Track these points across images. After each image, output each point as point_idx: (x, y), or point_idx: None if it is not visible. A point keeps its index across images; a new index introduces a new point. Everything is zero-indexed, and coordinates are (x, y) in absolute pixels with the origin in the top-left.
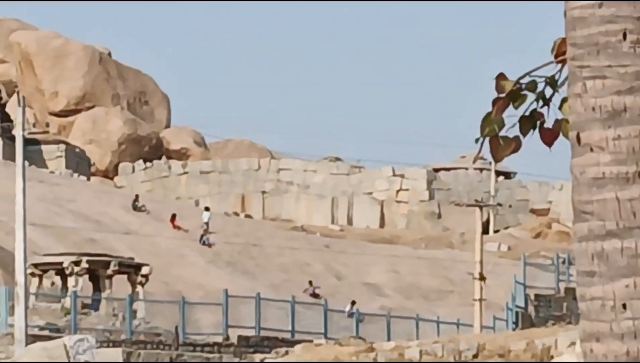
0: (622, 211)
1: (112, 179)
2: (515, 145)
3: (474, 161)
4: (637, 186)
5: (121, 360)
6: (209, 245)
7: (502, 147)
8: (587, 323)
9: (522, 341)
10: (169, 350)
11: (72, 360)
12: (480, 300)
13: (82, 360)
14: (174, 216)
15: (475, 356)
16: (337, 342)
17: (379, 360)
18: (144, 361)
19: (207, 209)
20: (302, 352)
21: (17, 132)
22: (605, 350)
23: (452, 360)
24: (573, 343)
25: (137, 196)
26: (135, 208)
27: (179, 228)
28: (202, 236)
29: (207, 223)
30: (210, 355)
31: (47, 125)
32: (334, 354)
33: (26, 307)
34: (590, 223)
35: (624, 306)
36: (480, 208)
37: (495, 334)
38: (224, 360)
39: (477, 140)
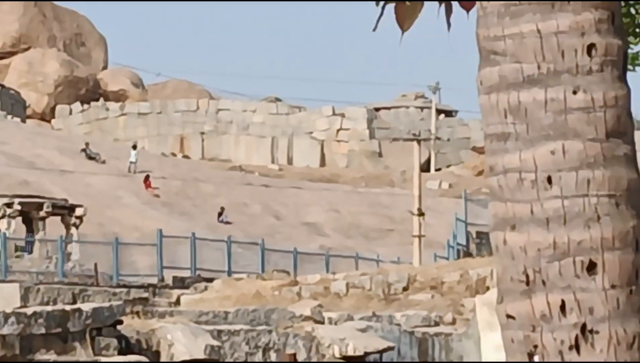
0: (544, 50)
1: (49, 122)
2: (420, 8)
3: (377, 22)
4: (565, 14)
5: (18, 296)
6: (226, 223)
7: (408, 11)
8: (500, 205)
9: (456, 272)
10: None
11: None
12: (420, 236)
13: None
14: (147, 177)
15: (405, 289)
16: (259, 276)
17: (302, 293)
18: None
19: (134, 147)
20: (223, 286)
21: None
22: (524, 240)
23: (380, 293)
24: None
25: (87, 143)
26: (89, 157)
27: (152, 188)
28: (219, 214)
29: (134, 162)
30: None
31: None
32: (255, 288)
33: None
34: (503, 67)
35: (549, 180)
36: (418, 142)
37: (427, 265)
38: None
39: (377, 3)
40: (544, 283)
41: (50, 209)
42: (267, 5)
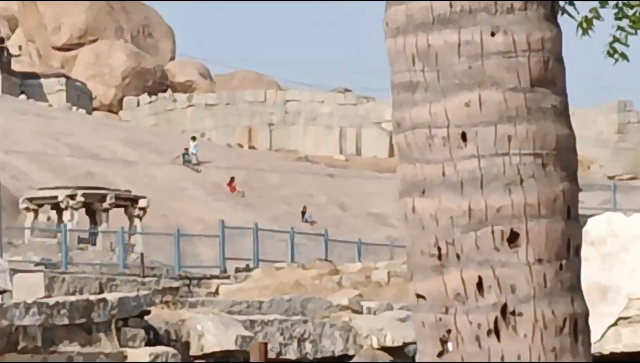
0: None
1: (116, 113)
2: None
3: None
4: None
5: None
6: (311, 223)
7: None
8: (408, 167)
9: None
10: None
11: None
12: None
13: None
14: (232, 179)
15: None
16: (300, 265)
17: (343, 282)
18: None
19: (193, 138)
20: (262, 276)
21: None
22: (435, 207)
23: None
24: None
25: (186, 149)
26: (186, 161)
27: (237, 191)
28: (303, 213)
29: (194, 154)
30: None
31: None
32: (295, 278)
33: (1, 239)
34: (410, 6)
35: (464, 136)
36: None
37: None
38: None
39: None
40: (458, 257)
41: (113, 201)
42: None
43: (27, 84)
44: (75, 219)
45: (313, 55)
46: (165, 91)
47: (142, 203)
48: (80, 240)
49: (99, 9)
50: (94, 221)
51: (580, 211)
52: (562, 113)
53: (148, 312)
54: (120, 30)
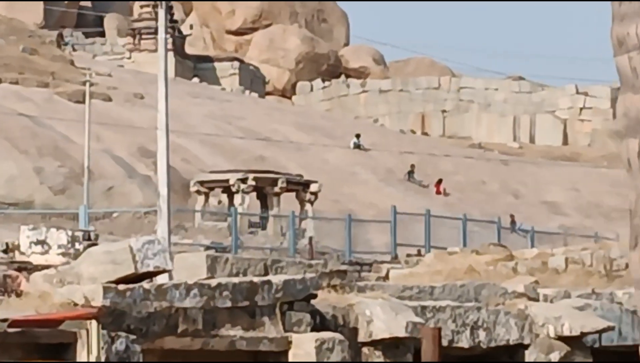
0: None
1: (289, 98)
2: None
3: None
4: None
5: (205, 267)
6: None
7: None
8: (633, 98)
9: None
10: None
11: (139, 264)
12: None
13: (151, 265)
14: (440, 181)
15: (628, 266)
16: (474, 250)
17: (518, 269)
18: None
19: (357, 136)
20: (434, 261)
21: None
22: None
23: (601, 269)
24: None
25: (412, 166)
26: (410, 179)
27: (444, 193)
28: (512, 221)
29: (358, 146)
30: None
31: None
32: (468, 263)
33: (169, 221)
34: None
35: None
36: None
37: None
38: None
39: None
40: None
41: (284, 185)
42: None
43: (200, 68)
44: (246, 203)
45: (488, 41)
46: (338, 76)
47: (313, 187)
48: (251, 224)
49: None
50: (264, 206)
51: None
52: None
53: (315, 296)
54: (294, 15)
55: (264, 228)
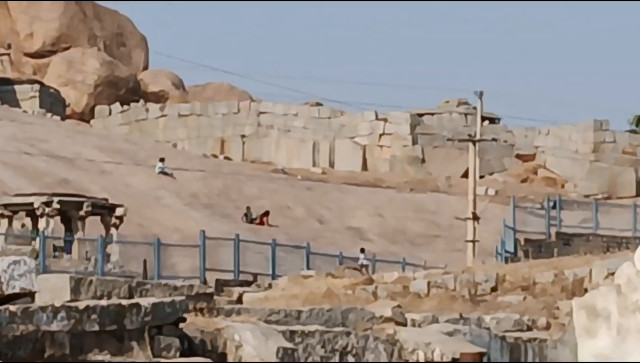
0: None
1: (88, 122)
2: None
3: None
4: None
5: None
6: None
7: None
8: None
9: (550, 272)
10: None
11: (4, 286)
12: (474, 241)
13: (17, 286)
14: (266, 213)
15: (494, 289)
16: (329, 274)
17: (378, 293)
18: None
19: (161, 160)
20: (289, 284)
21: None
22: None
23: (465, 293)
24: (611, 274)
25: (248, 208)
26: (249, 220)
27: (267, 224)
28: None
29: (164, 171)
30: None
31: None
32: (325, 286)
33: None
34: None
35: None
36: (474, 143)
37: (517, 264)
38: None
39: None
40: None
41: (90, 209)
42: (310, 6)
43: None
44: (51, 227)
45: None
46: (138, 100)
47: (119, 211)
48: (55, 248)
49: (72, 15)
50: (69, 229)
51: (562, 230)
52: None
53: (184, 319)
54: (93, 38)
55: (68, 252)
